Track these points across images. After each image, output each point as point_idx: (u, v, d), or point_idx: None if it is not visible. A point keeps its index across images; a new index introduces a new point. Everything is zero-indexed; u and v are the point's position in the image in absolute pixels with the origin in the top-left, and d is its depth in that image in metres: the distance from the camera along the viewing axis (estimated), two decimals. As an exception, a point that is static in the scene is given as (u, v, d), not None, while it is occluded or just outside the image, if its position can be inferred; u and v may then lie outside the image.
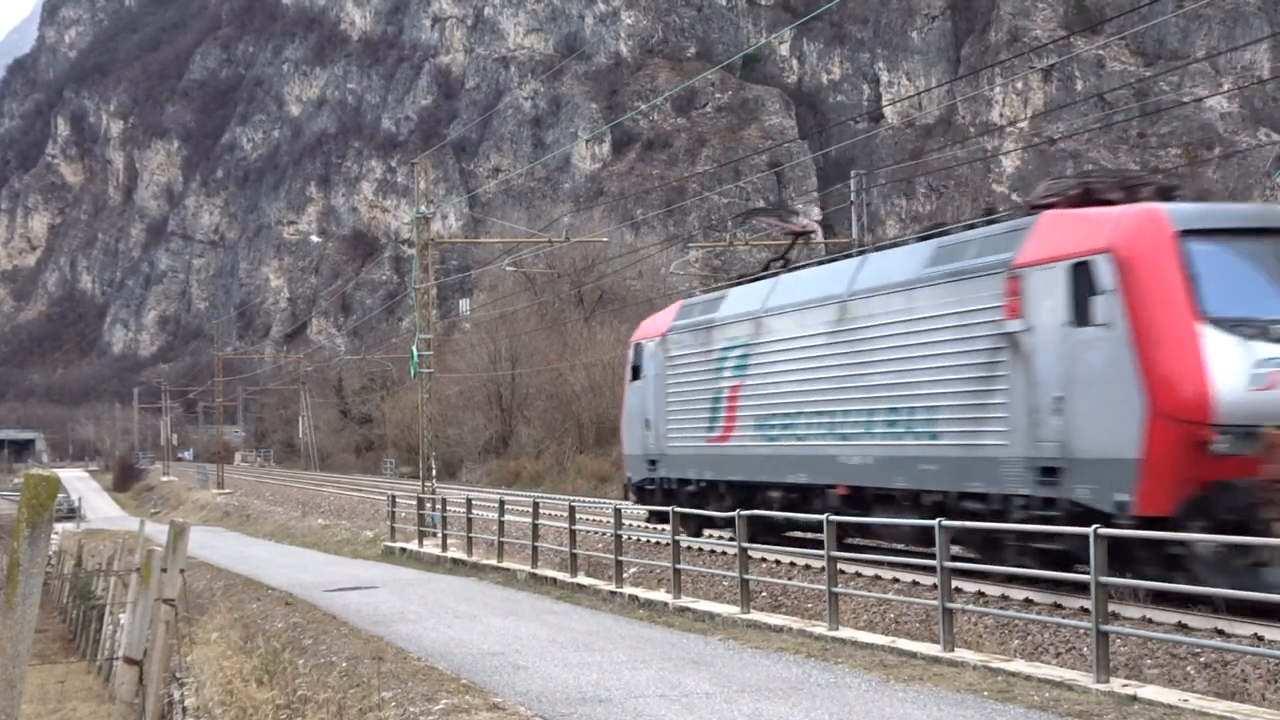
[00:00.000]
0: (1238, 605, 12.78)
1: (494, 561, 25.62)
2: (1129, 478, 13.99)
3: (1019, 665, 12.28)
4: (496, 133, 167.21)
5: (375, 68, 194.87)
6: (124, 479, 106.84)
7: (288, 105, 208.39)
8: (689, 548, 21.57)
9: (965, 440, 16.49)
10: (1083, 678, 11.38)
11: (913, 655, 13.06)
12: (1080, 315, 14.76)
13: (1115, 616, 12.69)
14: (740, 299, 22.71)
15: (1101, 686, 10.94)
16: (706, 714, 10.62)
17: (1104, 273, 14.47)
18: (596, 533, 24.97)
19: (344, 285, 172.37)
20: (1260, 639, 12.01)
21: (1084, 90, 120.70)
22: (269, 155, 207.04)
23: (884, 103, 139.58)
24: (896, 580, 17.25)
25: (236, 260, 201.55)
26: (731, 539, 18.79)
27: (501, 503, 27.41)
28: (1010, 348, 15.70)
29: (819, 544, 16.10)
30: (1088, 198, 15.74)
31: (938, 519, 14.06)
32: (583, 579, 21.74)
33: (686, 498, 23.48)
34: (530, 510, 25.20)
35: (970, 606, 14.53)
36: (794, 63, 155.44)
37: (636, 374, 26.03)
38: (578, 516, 22.98)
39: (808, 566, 18.94)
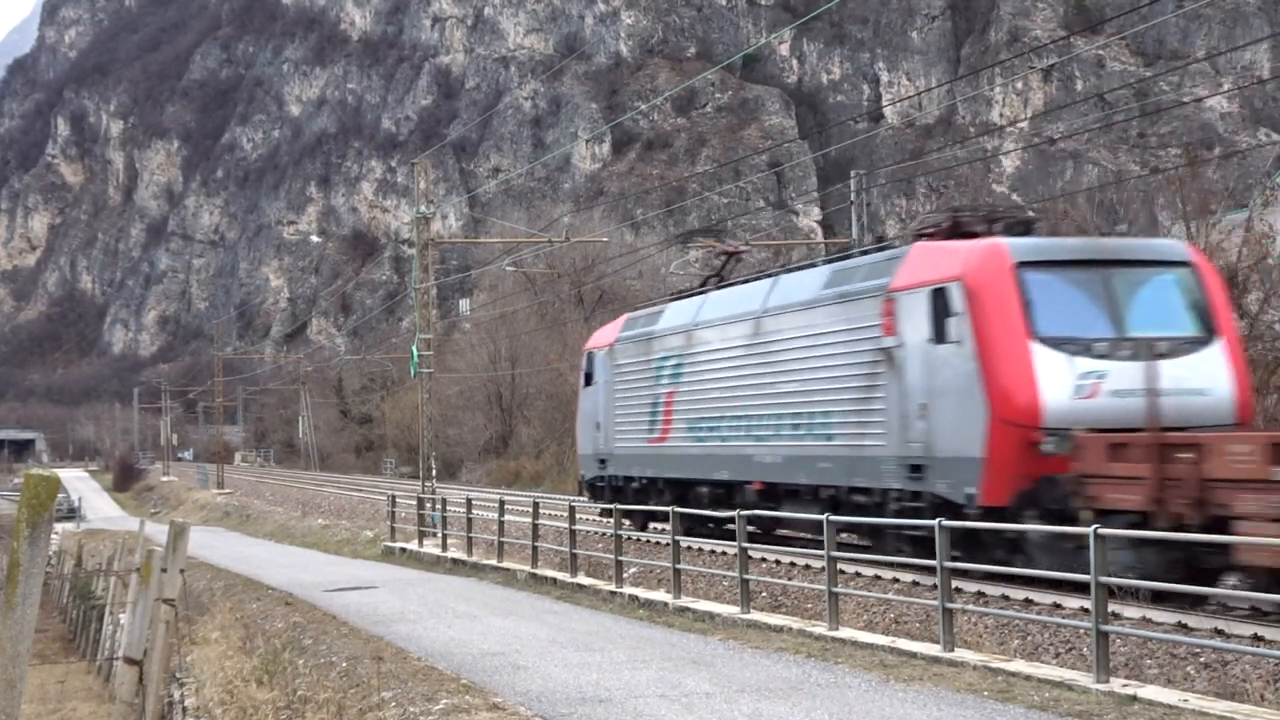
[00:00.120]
0: (1234, 604, 13.07)
1: (494, 561, 25.61)
2: (975, 474, 16.27)
3: (1019, 665, 12.28)
4: (496, 133, 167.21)
5: (375, 68, 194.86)
6: (124, 479, 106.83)
7: (288, 105, 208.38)
8: (689, 548, 21.60)
9: (853, 441, 18.79)
10: (1083, 678, 11.38)
11: (913, 655, 13.06)
12: (938, 334, 17.01)
13: (1115, 616, 12.70)
14: (676, 313, 25.07)
15: (1101, 686, 10.94)
16: (706, 714, 10.62)
17: (956, 298, 16.74)
18: (596, 533, 24.98)
19: (344, 285, 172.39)
20: (1260, 639, 12.02)
21: (1084, 90, 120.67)
22: (269, 155, 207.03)
23: (884, 103, 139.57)
24: (896, 580, 17.26)
25: (236, 260, 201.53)
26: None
27: (501, 503, 27.41)
28: (887, 361, 17.95)
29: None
30: (956, 229, 18.06)
31: (937, 519, 14.16)
32: (583, 579, 21.75)
33: (632, 494, 25.76)
34: (530, 510, 25.21)
35: (970, 606, 14.53)
36: (794, 63, 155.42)
37: (589, 380, 28.45)
38: (578, 516, 23.02)
39: (808, 566, 18.95)
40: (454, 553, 28.04)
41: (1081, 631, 12.83)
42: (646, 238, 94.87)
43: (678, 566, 18.61)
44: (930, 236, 18.44)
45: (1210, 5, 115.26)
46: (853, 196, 40.70)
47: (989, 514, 15.84)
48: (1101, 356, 16.17)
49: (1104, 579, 11.50)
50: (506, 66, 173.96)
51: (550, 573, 22.76)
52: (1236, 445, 13.65)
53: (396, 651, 14.85)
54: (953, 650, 12.96)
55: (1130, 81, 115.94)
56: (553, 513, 28.98)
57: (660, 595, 19.14)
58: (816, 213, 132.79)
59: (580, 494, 30.02)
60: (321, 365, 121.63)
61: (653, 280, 67.53)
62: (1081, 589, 12.87)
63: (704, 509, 22.06)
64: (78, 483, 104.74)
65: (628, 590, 19.89)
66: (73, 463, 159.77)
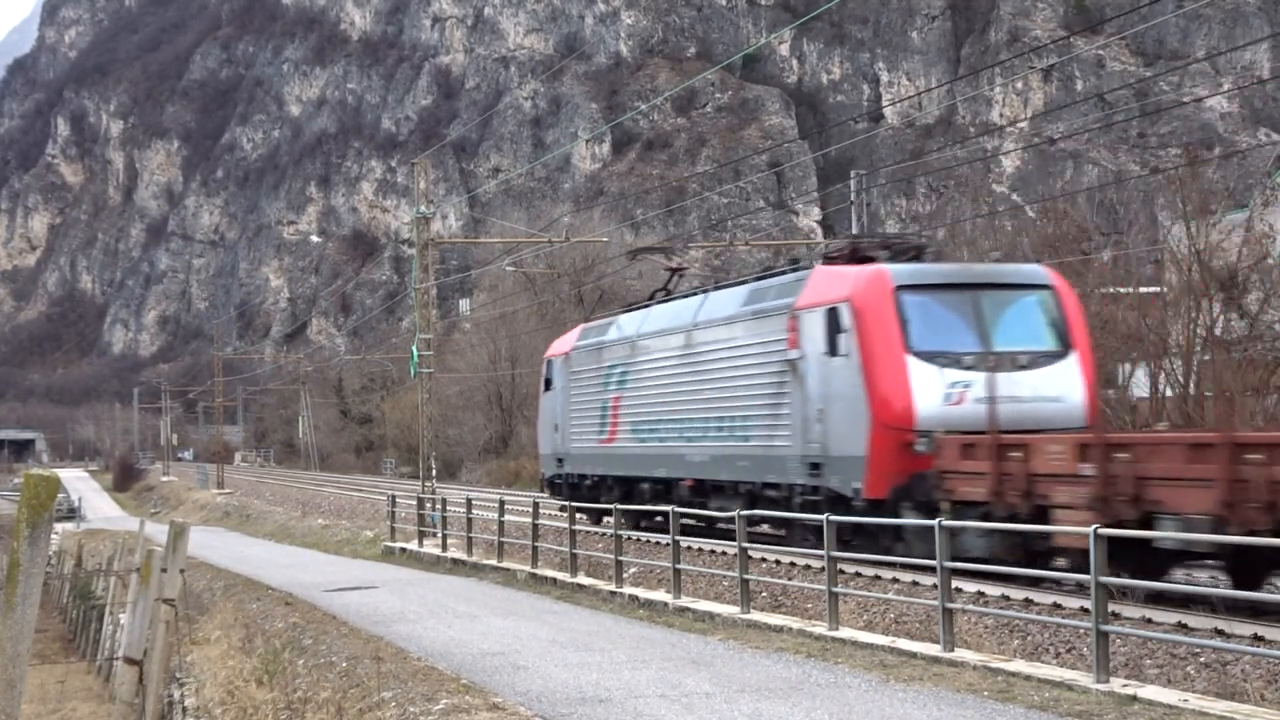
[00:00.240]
0: (1235, 605, 13.03)
1: (494, 561, 25.61)
2: (861, 470, 18.41)
3: (1019, 665, 12.28)
4: (496, 133, 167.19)
5: (375, 68, 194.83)
6: (124, 479, 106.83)
7: (288, 105, 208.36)
8: (689, 548, 21.62)
9: (765, 442, 20.91)
10: (1083, 678, 11.38)
11: (913, 655, 13.06)
12: (831, 348, 19.12)
13: (1115, 616, 12.70)
14: (623, 325, 27.37)
15: (1101, 686, 10.93)
16: (706, 714, 10.62)
17: (845, 316, 18.87)
18: (596, 532, 25.00)
19: (344, 285, 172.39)
20: (1260, 639, 12.01)
21: (1084, 90, 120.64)
22: (269, 155, 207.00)
23: (884, 103, 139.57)
24: (896, 580, 17.25)
25: (236, 260, 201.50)
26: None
27: (501, 503, 27.42)
28: (792, 371, 20.06)
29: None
30: (855, 254, 20.32)
31: (935, 519, 14.23)
32: (583, 579, 21.75)
33: (585, 490, 28.09)
34: (530, 510, 25.22)
35: (970, 606, 14.53)
36: (794, 63, 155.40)
37: (548, 385, 30.70)
38: (577, 516, 23.06)
39: (808, 567, 18.95)
40: (454, 553, 28.03)
41: (1081, 631, 12.83)
42: (646, 238, 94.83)
43: (678, 566, 18.63)
44: (833, 260, 20.70)
45: (1210, 5, 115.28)
46: (853, 196, 40.74)
47: (872, 506, 18.03)
48: (968, 368, 18.19)
49: (1102, 579, 11.49)
50: (506, 66, 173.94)
51: (550, 573, 22.76)
52: (1053, 445, 15.63)
53: (396, 651, 14.85)
54: (953, 650, 12.96)
55: (1130, 81, 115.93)
56: (552, 512, 29.01)
57: (660, 595, 19.15)
58: (816, 213, 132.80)
59: (541, 490, 32.20)
60: (321, 365, 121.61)
61: (652, 280, 67.46)
62: (1081, 589, 12.85)
63: (646, 504, 24.61)
64: (78, 483, 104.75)
65: (628, 590, 19.89)
66: (73, 463, 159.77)
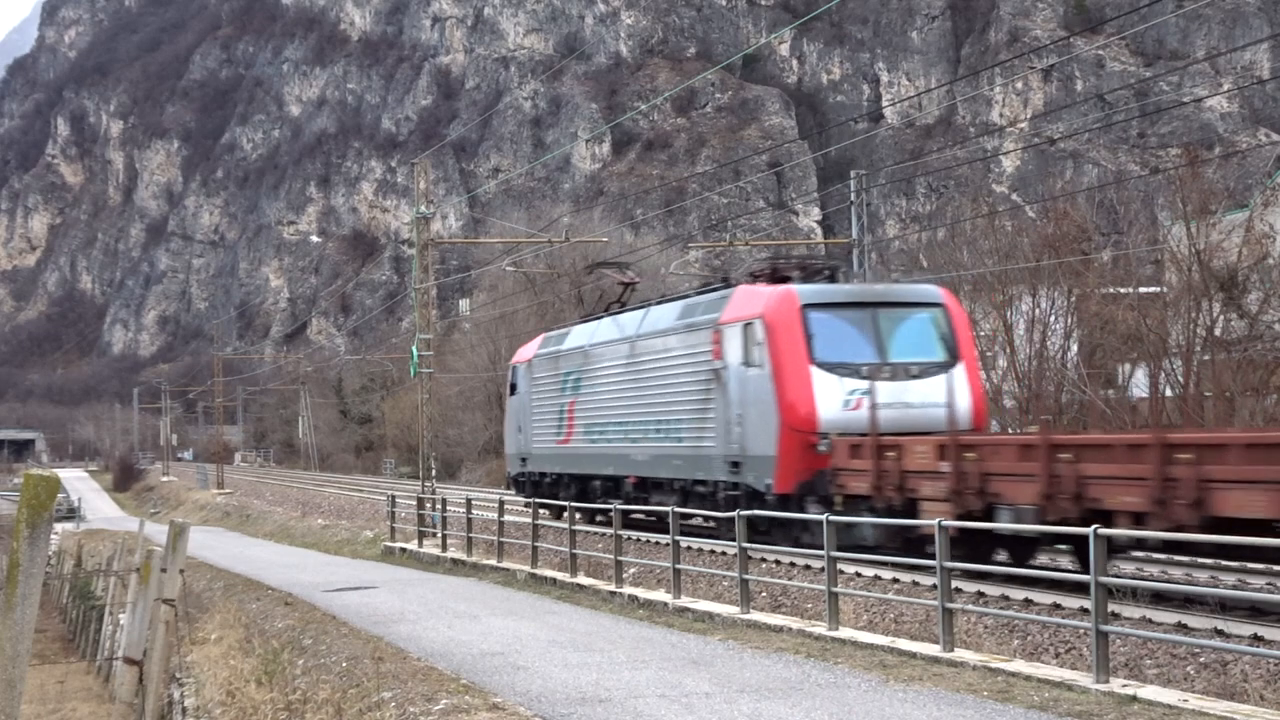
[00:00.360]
0: (1234, 604, 13.11)
1: (494, 561, 25.61)
2: (771, 468, 20.56)
3: (1019, 665, 12.28)
4: (496, 133, 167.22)
5: (375, 68, 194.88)
6: (124, 479, 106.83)
7: (288, 105, 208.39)
8: (688, 548, 21.63)
9: (694, 443, 23.05)
10: (1082, 678, 11.38)
11: (912, 655, 13.06)
12: (748, 359, 21.33)
13: (1115, 617, 12.71)
14: (578, 335, 29.63)
15: (1101, 687, 10.93)
16: (706, 714, 10.62)
17: (759, 331, 21.09)
18: (596, 532, 25.03)
19: (344, 285, 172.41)
20: (1260, 639, 12.02)
21: (1084, 90, 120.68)
22: (269, 155, 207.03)
23: (884, 103, 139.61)
24: (896, 580, 17.27)
25: (236, 260, 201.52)
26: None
27: (501, 503, 27.43)
28: (716, 379, 22.25)
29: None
30: (774, 274, 22.51)
31: (935, 521, 14.19)
32: (582, 579, 21.76)
33: (546, 487, 30.34)
34: (530, 510, 25.21)
35: (970, 607, 14.53)
36: (794, 63, 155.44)
37: (514, 390, 32.92)
38: (577, 516, 23.12)
39: (807, 567, 18.96)
40: (454, 553, 28.03)
41: (1081, 632, 12.83)
42: (646, 238, 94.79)
43: (677, 566, 18.63)
44: (756, 279, 22.84)
45: (1210, 5, 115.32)
46: (852, 197, 40.72)
47: (781, 500, 20.21)
48: (866, 378, 20.20)
49: (1102, 579, 11.50)
50: (506, 66, 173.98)
51: (550, 573, 22.77)
52: (919, 446, 17.55)
53: (396, 652, 14.84)
54: (952, 650, 12.96)
55: (1130, 81, 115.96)
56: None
57: (660, 595, 19.15)
58: (816, 213, 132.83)
59: (507, 488, 34.54)
60: (321, 365, 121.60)
61: (652, 280, 67.50)
62: (1082, 589, 12.89)
63: (598, 499, 26.95)
64: (77, 483, 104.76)
65: (627, 590, 19.89)
66: (72, 463, 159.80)
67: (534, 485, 31.02)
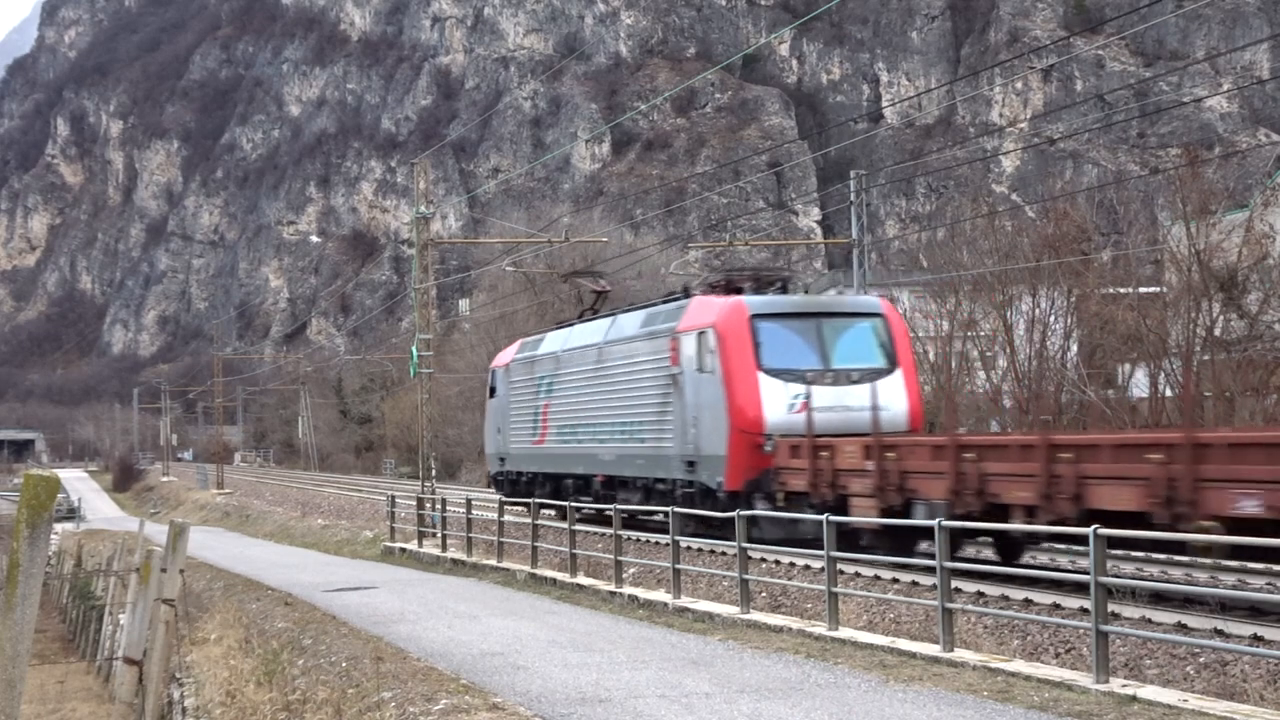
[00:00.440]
0: (1234, 604, 13.08)
1: (494, 562, 25.62)
2: (722, 467, 21.94)
3: (1019, 665, 12.28)
4: (496, 133, 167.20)
5: (375, 68, 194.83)
6: (124, 479, 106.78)
7: (287, 105, 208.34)
8: (688, 548, 21.63)
9: (654, 443, 24.37)
10: (1082, 678, 11.37)
11: (912, 655, 13.06)
12: (701, 365, 22.68)
13: (1115, 617, 12.70)
14: (552, 341, 30.98)
15: (1101, 687, 10.93)
16: (706, 714, 10.62)
17: (711, 339, 22.49)
18: (596, 533, 25.02)
19: (344, 285, 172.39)
20: (1259, 639, 12.01)
21: (1084, 90, 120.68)
22: (269, 155, 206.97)
23: (884, 103, 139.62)
24: (896, 580, 17.26)
25: (236, 260, 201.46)
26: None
27: (501, 503, 27.46)
28: (674, 384, 23.62)
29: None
30: (729, 285, 23.90)
31: (943, 523, 14.18)
32: (582, 579, 21.76)
33: (523, 485, 31.48)
34: (529, 510, 25.21)
35: (970, 607, 14.52)
36: (794, 63, 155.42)
37: (493, 393, 34.22)
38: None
39: (807, 567, 18.94)
40: (453, 553, 28.03)
41: (1081, 632, 12.82)
42: (646, 238, 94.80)
43: (677, 566, 18.64)
44: (713, 289, 24.24)
45: (1210, 5, 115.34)
46: (852, 197, 40.70)
47: (731, 497, 21.40)
48: (810, 383, 21.66)
49: (1102, 579, 11.50)
50: (506, 66, 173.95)
51: (550, 573, 22.77)
52: (848, 446, 18.91)
53: (396, 652, 14.84)
54: (952, 650, 12.96)
55: (1130, 81, 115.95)
56: (551, 512, 29.01)
57: (660, 595, 19.15)
58: (816, 213, 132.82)
59: (488, 487, 35.57)
60: (321, 365, 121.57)
61: (652, 280, 67.52)
62: (1081, 589, 12.86)
63: (569, 497, 27.74)
64: (77, 483, 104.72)
65: (627, 590, 19.89)
66: (72, 463, 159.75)
67: (511, 484, 32.28)
